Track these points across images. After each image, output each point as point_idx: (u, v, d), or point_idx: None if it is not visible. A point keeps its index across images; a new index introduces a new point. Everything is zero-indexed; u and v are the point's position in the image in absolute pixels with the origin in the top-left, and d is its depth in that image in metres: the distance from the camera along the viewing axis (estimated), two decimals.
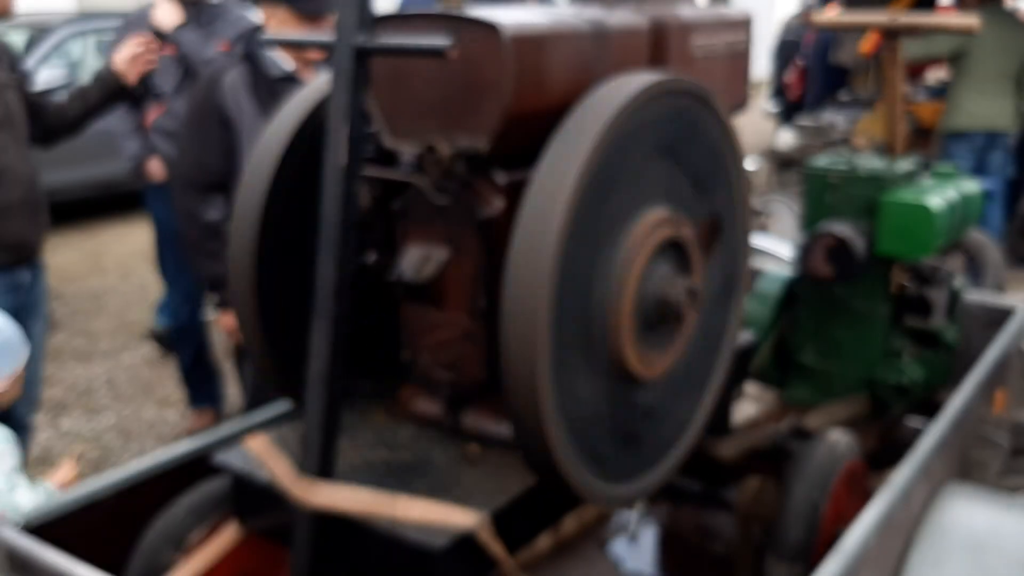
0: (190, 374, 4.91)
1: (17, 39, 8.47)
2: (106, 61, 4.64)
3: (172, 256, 4.74)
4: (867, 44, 7.54)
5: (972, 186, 3.36)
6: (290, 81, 3.29)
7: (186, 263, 4.45)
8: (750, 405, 3.34)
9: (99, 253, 8.33)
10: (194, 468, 2.26)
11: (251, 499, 2.05)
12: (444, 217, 1.93)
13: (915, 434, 2.55)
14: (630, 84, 1.77)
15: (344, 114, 1.74)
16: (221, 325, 3.66)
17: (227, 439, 2.32)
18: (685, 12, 2.27)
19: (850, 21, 4.16)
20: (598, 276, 1.77)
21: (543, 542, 3.06)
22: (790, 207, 6.15)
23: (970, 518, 2.45)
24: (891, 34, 3.20)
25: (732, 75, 2.47)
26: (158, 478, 2.26)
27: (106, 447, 4.80)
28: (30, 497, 2.53)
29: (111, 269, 7.86)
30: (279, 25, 3.33)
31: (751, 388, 3.37)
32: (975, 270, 5.89)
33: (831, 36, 8.80)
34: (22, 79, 3.67)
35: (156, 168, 4.65)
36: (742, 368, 2.71)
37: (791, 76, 10.31)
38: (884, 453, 2.95)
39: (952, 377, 3.18)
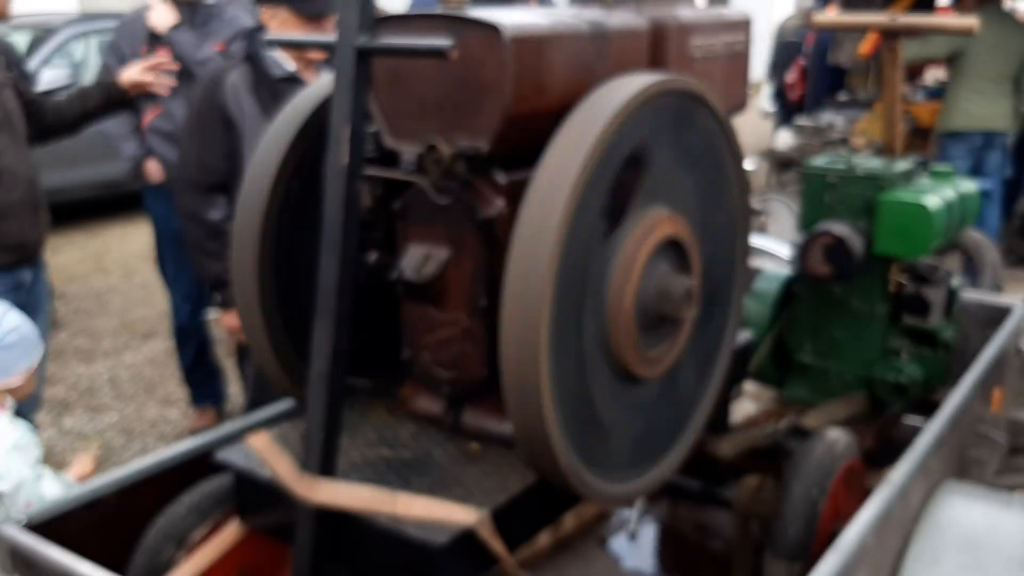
0: (192, 373, 4.93)
1: (20, 40, 8.48)
2: (106, 60, 4.67)
3: (172, 256, 4.76)
4: (866, 46, 7.55)
5: (970, 186, 3.38)
6: (292, 81, 3.30)
7: (186, 263, 4.47)
8: (749, 404, 3.35)
9: (102, 253, 8.34)
10: (196, 466, 2.27)
11: (253, 497, 2.06)
12: (445, 217, 1.95)
13: (913, 432, 2.56)
14: (630, 85, 1.79)
15: (346, 114, 1.75)
16: (223, 324, 3.67)
17: (229, 437, 2.33)
18: (684, 13, 2.28)
19: (849, 22, 4.17)
20: (598, 276, 1.78)
21: (543, 540, 3.08)
22: (789, 207, 6.16)
23: (967, 516, 2.46)
24: (890, 35, 3.21)
25: (731, 76, 2.48)
26: (160, 476, 2.27)
27: (108, 446, 4.81)
28: (55, 488, 2.59)
29: (113, 269, 7.87)
30: (281, 26, 3.34)
31: (750, 387, 3.38)
32: (973, 270, 5.90)
33: (830, 37, 8.81)
34: (19, 78, 3.68)
35: (154, 169, 4.66)
36: (741, 367, 2.73)
37: (793, 76, 10.32)
38: (882, 451, 2.96)
39: (950, 376, 3.19)
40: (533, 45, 1.86)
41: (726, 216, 2.15)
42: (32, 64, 7.90)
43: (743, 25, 2.50)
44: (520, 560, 1.95)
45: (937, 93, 7.93)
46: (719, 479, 2.86)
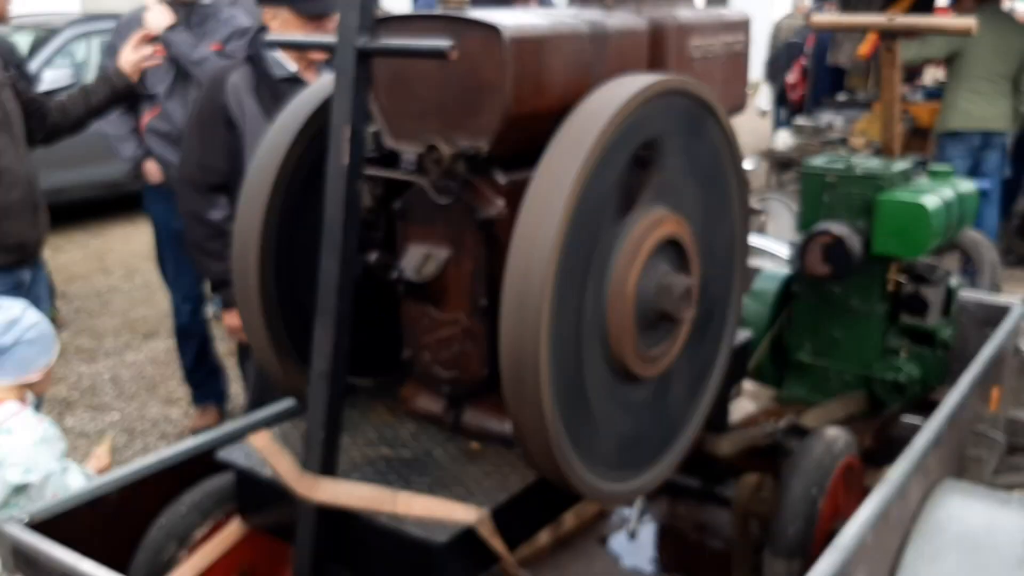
0: (193, 372, 4.94)
1: (22, 41, 8.50)
2: (105, 62, 4.68)
3: (172, 256, 4.77)
4: (866, 47, 7.56)
5: (968, 186, 3.38)
6: (293, 82, 3.31)
7: (186, 263, 4.49)
8: (748, 403, 3.36)
9: (104, 252, 8.35)
10: (197, 465, 2.28)
11: (254, 496, 2.07)
12: (445, 217, 1.95)
13: (911, 431, 2.56)
14: (629, 85, 1.79)
15: (346, 114, 1.76)
16: (225, 324, 3.68)
17: (231, 436, 2.33)
18: (683, 14, 2.29)
19: (848, 22, 4.18)
20: (598, 275, 1.79)
21: (543, 538, 3.08)
22: (788, 206, 6.16)
23: (966, 515, 2.46)
24: (888, 36, 3.21)
25: (731, 76, 2.48)
26: (162, 475, 2.28)
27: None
28: (80, 480, 2.67)
29: (115, 268, 7.88)
30: (282, 26, 3.35)
31: (749, 386, 3.39)
32: (972, 269, 5.91)
33: (829, 37, 8.83)
34: (17, 78, 3.69)
35: (152, 170, 4.67)
36: (740, 366, 2.73)
37: (794, 76, 10.34)
38: (881, 450, 2.96)
39: (948, 375, 3.20)
40: (533, 45, 1.86)
41: (725, 215, 2.16)
42: (34, 65, 7.92)
43: (742, 25, 2.51)
44: (520, 558, 1.96)
45: (936, 93, 7.95)
46: (718, 478, 2.87)
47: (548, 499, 1.98)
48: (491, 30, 1.82)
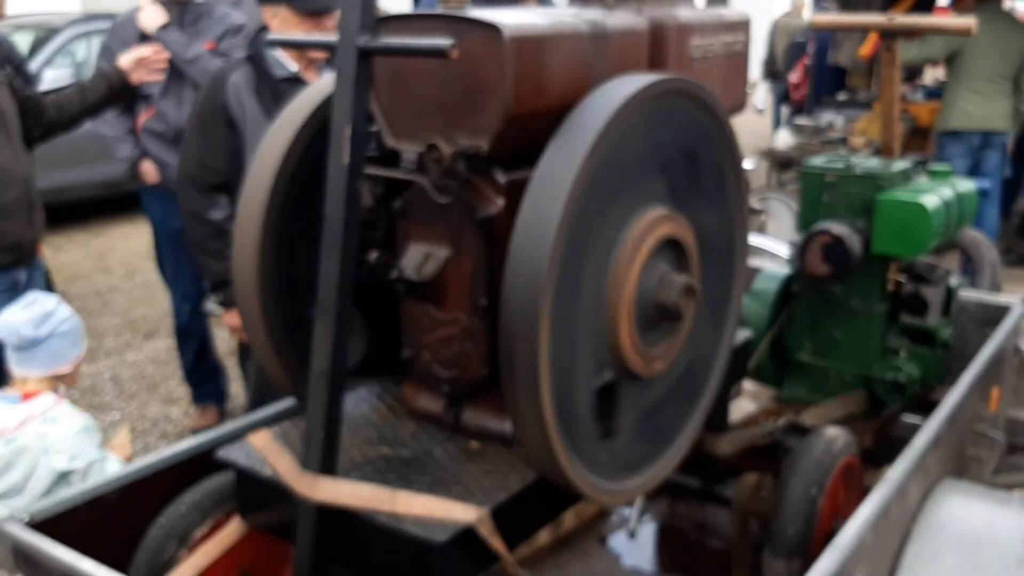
0: (193, 372, 4.94)
1: (23, 40, 8.50)
2: (100, 63, 4.68)
3: (171, 256, 4.77)
4: (867, 47, 7.56)
5: (968, 185, 3.38)
6: (294, 82, 3.31)
7: (185, 263, 4.49)
8: (748, 402, 3.36)
9: (104, 252, 8.35)
10: (198, 465, 2.28)
11: (254, 495, 2.08)
12: (445, 216, 1.95)
13: (911, 431, 2.56)
14: (629, 85, 1.79)
15: (347, 113, 1.76)
16: (225, 323, 3.68)
17: (230, 436, 2.33)
18: (684, 13, 2.29)
19: (848, 22, 4.18)
20: (597, 274, 1.79)
21: (543, 537, 3.09)
22: (788, 206, 6.17)
23: (965, 515, 2.46)
24: (888, 35, 3.21)
25: (731, 76, 2.48)
26: (162, 474, 2.28)
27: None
28: (116, 467, 2.83)
29: (116, 268, 7.88)
30: (282, 25, 3.35)
31: (749, 385, 3.39)
32: (971, 269, 5.92)
33: (829, 37, 8.83)
34: (13, 76, 3.68)
35: (149, 170, 4.67)
36: (740, 365, 2.73)
37: (797, 76, 10.36)
38: (880, 450, 2.97)
39: (948, 375, 3.20)
40: (533, 45, 1.86)
41: (725, 215, 2.16)
42: (35, 64, 7.92)
43: (742, 25, 2.51)
44: (520, 558, 1.96)
45: (936, 93, 7.95)
46: (718, 477, 2.87)
47: (548, 499, 1.98)
48: (491, 29, 1.82)
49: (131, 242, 8.51)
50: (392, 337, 2.15)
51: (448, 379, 2.05)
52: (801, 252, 3.09)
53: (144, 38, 4.43)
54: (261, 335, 2.09)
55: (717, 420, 2.70)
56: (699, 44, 2.32)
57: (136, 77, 3.76)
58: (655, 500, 3.38)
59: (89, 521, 2.15)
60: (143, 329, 6.42)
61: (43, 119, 3.67)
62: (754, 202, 5.31)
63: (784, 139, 8.29)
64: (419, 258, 1.98)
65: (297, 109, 2.09)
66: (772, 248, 4.81)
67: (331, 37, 1.84)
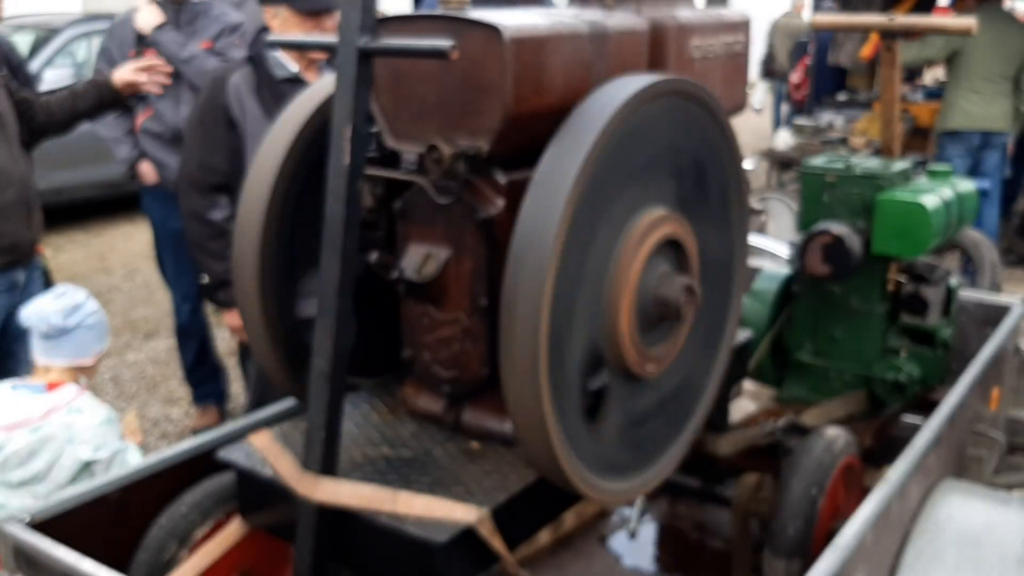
0: (193, 372, 4.94)
1: (23, 40, 8.51)
2: (99, 64, 4.67)
3: (171, 256, 4.78)
4: (869, 49, 7.56)
5: (968, 185, 3.38)
6: (294, 82, 3.32)
7: (185, 263, 4.49)
8: (748, 402, 3.36)
9: (105, 252, 8.36)
10: (198, 465, 2.28)
11: (255, 495, 2.08)
12: (445, 216, 1.96)
13: (911, 431, 2.56)
14: (629, 85, 1.80)
15: (347, 114, 1.77)
16: (226, 323, 3.69)
17: (231, 436, 2.34)
18: (684, 14, 2.29)
19: (848, 22, 4.18)
20: (598, 274, 1.79)
21: (543, 538, 3.09)
22: (788, 206, 6.17)
23: (966, 514, 2.47)
24: (888, 36, 3.22)
25: (731, 76, 2.48)
26: (163, 475, 2.28)
27: None
28: (137, 457, 2.93)
29: (116, 268, 7.88)
30: (282, 25, 3.35)
31: (749, 385, 3.39)
32: (972, 269, 5.92)
33: (830, 37, 8.83)
34: (10, 77, 3.68)
35: (147, 171, 4.68)
36: (740, 365, 2.74)
37: (798, 76, 10.36)
38: (880, 450, 2.97)
39: (948, 375, 3.21)
40: (533, 46, 1.87)
41: (725, 216, 2.16)
42: (35, 64, 7.93)
43: (742, 25, 2.51)
44: (520, 558, 1.96)
45: (936, 93, 7.96)
46: (718, 477, 2.87)
47: (548, 499, 1.98)
48: (491, 30, 1.82)
49: (131, 242, 8.52)
50: (392, 337, 2.15)
51: (448, 379, 2.05)
52: (801, 252, 3.09)
53: (141, 39, 4.44)
54: (261, 335, 2.09)
55: (717, 420, 2.70)
56: (699, 44, 2.32)
57: (131, 90, 3.74)
58: (655, 500, 3.38)
59: (90, 521, 2.15)
60: (143, 329, 6.42)
61: (32, 123, 3.67)
62: (754, 202, 5.31)
63: (784, 139, 8.29)
64: (419, 258, 1.98)
65: (297, 110, 2.09)
66: (772, 248, 4.81)
67: (331, 38, 1.84)
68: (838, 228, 3.02)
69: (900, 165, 3.21)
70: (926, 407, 2.93)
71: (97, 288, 7.31)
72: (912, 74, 8.54)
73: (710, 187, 2.09)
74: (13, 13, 7.15)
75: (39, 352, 3.03)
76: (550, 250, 1.63)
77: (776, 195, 6.75)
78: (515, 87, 1.83)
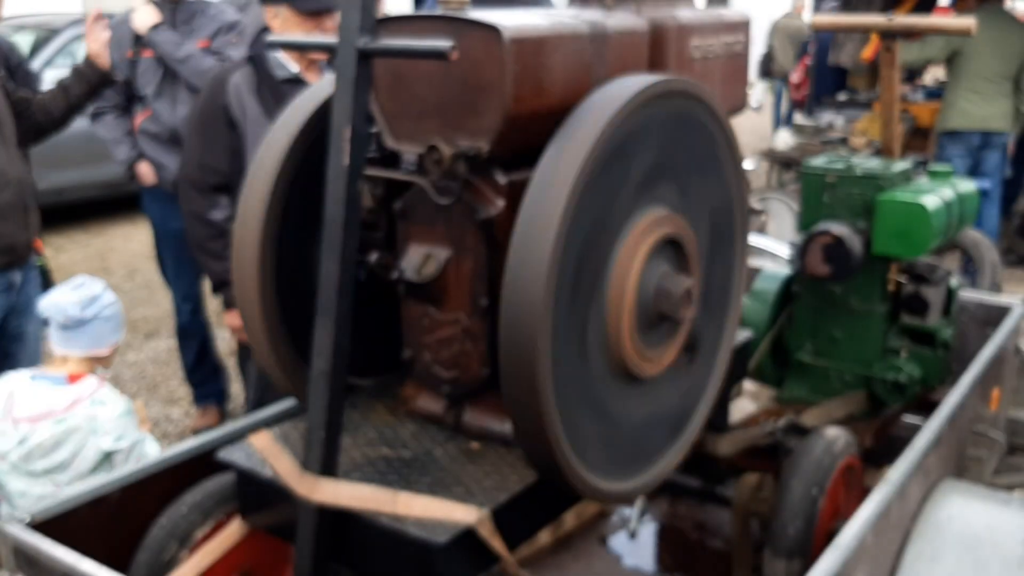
0: (194, 372, 4.95)
1: (24, 41, 8.51)
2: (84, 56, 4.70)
3: (171, 256, 4.78)
4: (869, 50, 7.56)
5: (968, 185, 3.38)
6: (295, 83, 3.32)
7: (185, 263, 4.50)
8: (748, 402, 3.36)
9: (105, 252, 8.36)
10: (199, 465, 2.28)
11: (255, 496, 2.07)
12: (445, 217, 1.96)
13: (912, 431, 2.57)
14: (629, 86, 1.80)
15: (347, 115, 1.77)
16: (226, 323, 3.69)
17: (231, 436, 2.34)
18: (684, 14, 2.29)
19: (847, 23, 4.18)
20: (598, 274, 1.79)
21: (543, 538, 3.09)
22: (789, 206, 6.17)
23: (966, 515, 2.47)
24: (888, 36, 3.22)
25: (731, 76, 2.49)
26: (163, 475, 2.28)
27: None
28: (155, 448, 3.03)
29: (116, 268, 7.88)
30: (283, 25, 3.36)
31: (749, 386, 3.39)
32: (972, 269, 5.92)
33: (830, 38, 8.83)
34: (7, 78, 3.68)
35: (146, 171, 4.68)
36: (740, 366, 2.74)
37: (798, 76, 10.37)
38: (881, 450, 2.97)
39: (949, 375, 3.21)
40: (533, 46, 1.87)
41: (725, 216, 2.16)
42: (35, 65, 7.92)
43: (743, 26, 2.51)
44: (520, 559, 1.96)
45: (936, 93, 7.96)
46: (719, 477, 2.87)
47: (548, 499, 1.98)
48: (491, 30, 1.82)
49: (131, 242, 8.52)
50: (392, 337, 2.15)
51: (448, 379, 2.05)
52: (802, 252, 3.09)
53: (138, 39, 4.44)
54: (261, 335, 2.09)
55: (717, 420, 2.70)
56: (699, 45, 2.32)
57: (102, 59, 3.76)
58: (655, 500, 3.38)
59: (90, 521, 2.15)
60: (144, 329, 6.42)
61: (30, 121, 3.68)
62: (754, 202, 5.31)
63: (784, 139, 8.30)
64: (419, 259, 1.99)
65: (297, 110, 2.09)
66: (772, 248, 4.81)
67: (331, 38, 1.84)
68: (838, 228, 3.02)
69: (900, 165, 3.21)
70: (926, 407, 2.94)
71: None
72: (912, 74, 8.54)
73: (711, 187, 2.09)
74: (13, 13, 7.16)
75: (57, 342, 3.09)
76: (550, 250, 1.63)
77: (776, 195, 6.76)
78: (515, 87, 1.83)
